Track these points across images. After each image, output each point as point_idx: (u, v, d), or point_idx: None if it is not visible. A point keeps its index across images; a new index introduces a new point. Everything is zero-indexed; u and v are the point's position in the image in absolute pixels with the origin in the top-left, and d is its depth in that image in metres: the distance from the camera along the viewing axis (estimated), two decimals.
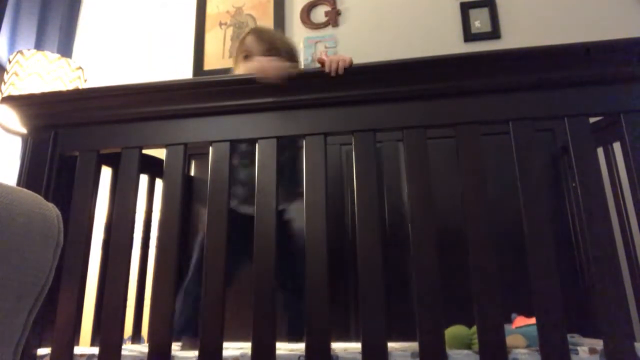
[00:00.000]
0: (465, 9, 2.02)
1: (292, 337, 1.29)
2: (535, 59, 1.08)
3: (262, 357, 0.98)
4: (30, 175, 1.20)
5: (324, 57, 1.12)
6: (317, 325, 0.98)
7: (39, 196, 0.71)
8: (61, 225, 0.71)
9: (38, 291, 0.68)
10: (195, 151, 1.72)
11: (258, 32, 1.44)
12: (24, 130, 1.32)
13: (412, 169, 1.05)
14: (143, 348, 1.22)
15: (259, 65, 1.13)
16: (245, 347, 1.26)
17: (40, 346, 1.11)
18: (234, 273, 1.26)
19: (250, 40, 1.42)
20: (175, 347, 1.21)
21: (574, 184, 1.04)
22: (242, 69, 1.39)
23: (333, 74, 1.10)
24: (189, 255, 1.45)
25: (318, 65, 1.14)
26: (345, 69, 1.10)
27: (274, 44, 1.41)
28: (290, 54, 1.42)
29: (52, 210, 0.71)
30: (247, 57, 1.40)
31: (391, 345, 1.09)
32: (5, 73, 1.81)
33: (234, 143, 1.15)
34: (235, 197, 1.38)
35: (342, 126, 1.12)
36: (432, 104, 1.10)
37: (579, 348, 0.93)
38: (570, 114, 1.04)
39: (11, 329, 0.64)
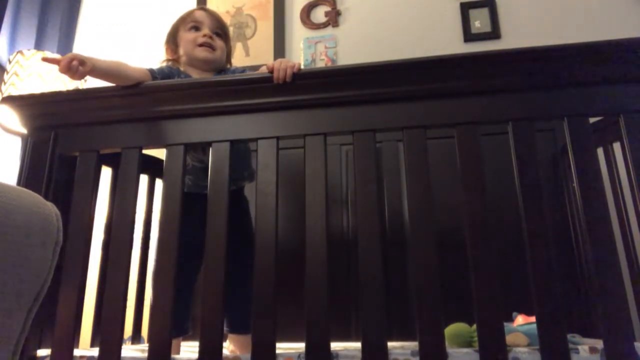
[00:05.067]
0: (465, 9, 2.02)
1: (235, 332, 1.31)
2: (535, 59, 1.08)
3: (263, 355, 0.99)
4: (30, 176, 1.20)
5: (271, 64, 1.14)
6: (317, 325, 0.98)
7: (38, 195, 0.71)
8: (60, 224, 0.71)
9: (37, 290, 0.67)
10: None
11: (209, 10, 1.50)
12: (24, 130, 1.32)
13: (412, 169, 1.05)
14: (143, 348, 1.22)
15: (277, 65, 1.14)
16: None
17: (40, 347, 1.11)
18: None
19: (201, 15, 1.45)
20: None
21: (573, 184, 1.04)
22: (190, 37, 1.42)
23: (281, 81, 1.12)
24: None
25: (318, 65, 1.14)
26: (294, 74, 1.12)
27: (225, 26, 1.49)
28: (229, 38, 1.51)
29: (51, 209, 0.71)
30: (196, 28, 1.43)
31: (391, 344, 1.09)
32: (5, 73, 1.80)
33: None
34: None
35: (342, 126, 1.12)
36: (432, 104, 1.10)
37: (579, 347, 0.93)
38: (570, 114, 1.04)
39: (10, 328, 0.64)
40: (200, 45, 1.40)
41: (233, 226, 1.10)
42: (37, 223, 0.66)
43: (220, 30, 1.45)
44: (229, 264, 1.06)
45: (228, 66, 1.52)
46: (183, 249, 1.09)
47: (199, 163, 1.33)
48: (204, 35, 1.40)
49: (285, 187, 1.61)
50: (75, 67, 1.11)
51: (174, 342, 1.21)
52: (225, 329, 1.27)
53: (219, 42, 1.43)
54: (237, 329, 1.30)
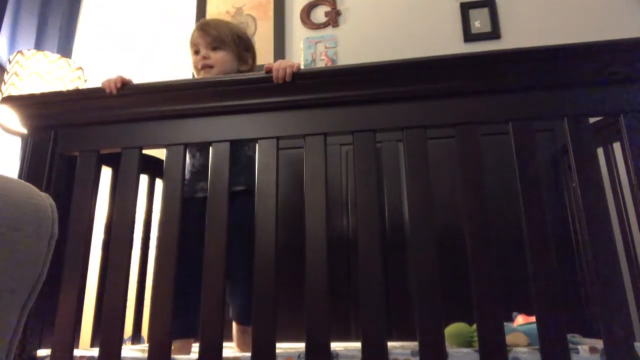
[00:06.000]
0: (465, 9, 2.02)
1: (236, 321, 1.33)
2: (535, 59, 1.08)
3: (263, 355, 0.98)
4: (30, 176, 1.20)
5: (271, 65, 1.14)
6: (317, 325, 0.98)
7: (31, 186, 0.67)
8: (55, 216, 0.67)
9: (31, 286, 0.64)
10: None
11: (203, 26, 1.46)
12: (24, 130, 1.32)
13: (412, 169, 1.05)
14: (143, 348, 1.22)
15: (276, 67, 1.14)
16: None
17: (40, 347, 1.11)
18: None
19: (196, 36, 1.45)
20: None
21: (574, 184, 1.04)
22: (193, 62, 1.45)
23: (280, 81, 1.12)
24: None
25: (318, 65, 1.14)
26: (294, 74, 1.12)
27: (219, 35, 1.43)
28: (237, 43, 1.45)
29: (45, 200, 0.67)
30: (196, 52, 1.44)
31: (391, 344, 1.09)
32: (5, 73, 1.80)
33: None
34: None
35: (342, 126, 1.12)
36: (432, 104, 1.09)
37: (579, 347, 0.93)
38: (570, 114, 1.04)
39: (4, 325, 0.61)
40: (202, 68, 1.41)
41: (233, 225, 1.09)
42: (30, 214, 0.63)
43: (217, 42, 1.41)
44: (228, 259, 1.06)
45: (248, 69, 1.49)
46: (186, 250, 1.09)
47: (189, 166, 1.34)
48: (200, 59, 1.41)
49: (285, 187, 1.61)
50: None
51: (185, 342, 1.21)
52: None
53: (217, 56, 1.41)
54: (238, 319, 1.31)
